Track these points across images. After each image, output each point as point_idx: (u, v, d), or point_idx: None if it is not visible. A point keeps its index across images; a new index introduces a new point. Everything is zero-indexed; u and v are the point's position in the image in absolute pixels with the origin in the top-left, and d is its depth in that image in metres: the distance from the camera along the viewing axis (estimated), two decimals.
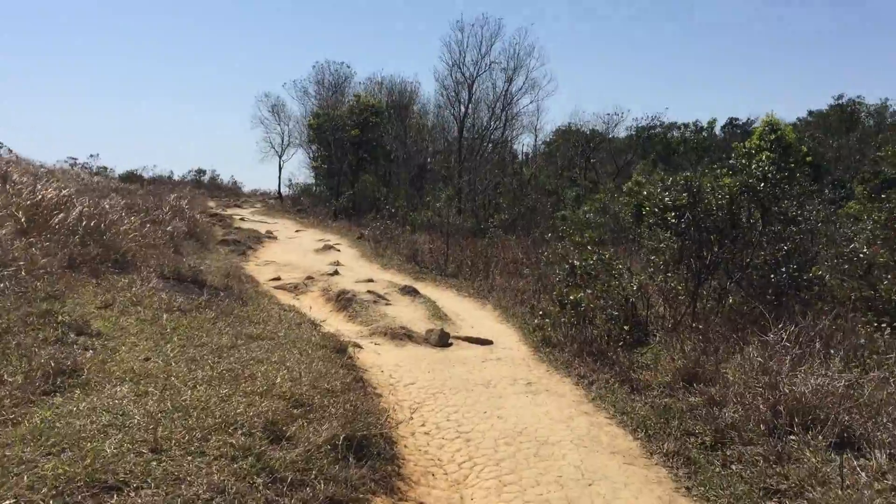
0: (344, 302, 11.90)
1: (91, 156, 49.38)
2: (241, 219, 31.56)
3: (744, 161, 15.22)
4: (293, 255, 19.46)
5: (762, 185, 10.79)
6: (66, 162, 41.99)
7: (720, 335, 9.49)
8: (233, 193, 52.91)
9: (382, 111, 36.63)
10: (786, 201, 11.30)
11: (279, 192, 48.92)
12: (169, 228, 15.89)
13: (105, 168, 46.23)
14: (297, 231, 27.67)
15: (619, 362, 8.67)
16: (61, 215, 11.56)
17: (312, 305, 12.49)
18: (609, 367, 8.54)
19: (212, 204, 40.28)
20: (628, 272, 10.88)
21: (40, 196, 12.27)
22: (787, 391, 6.58)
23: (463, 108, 33.84)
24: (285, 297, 13.03)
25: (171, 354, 6.49)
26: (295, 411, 5.60)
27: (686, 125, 48.29)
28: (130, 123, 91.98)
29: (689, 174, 11.52)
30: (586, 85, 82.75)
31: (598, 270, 10.91)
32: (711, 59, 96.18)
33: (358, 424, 5.66)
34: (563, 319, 9.28)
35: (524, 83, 34.07)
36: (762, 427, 6.38)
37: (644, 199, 14.83)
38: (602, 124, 40.87)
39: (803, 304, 10.54)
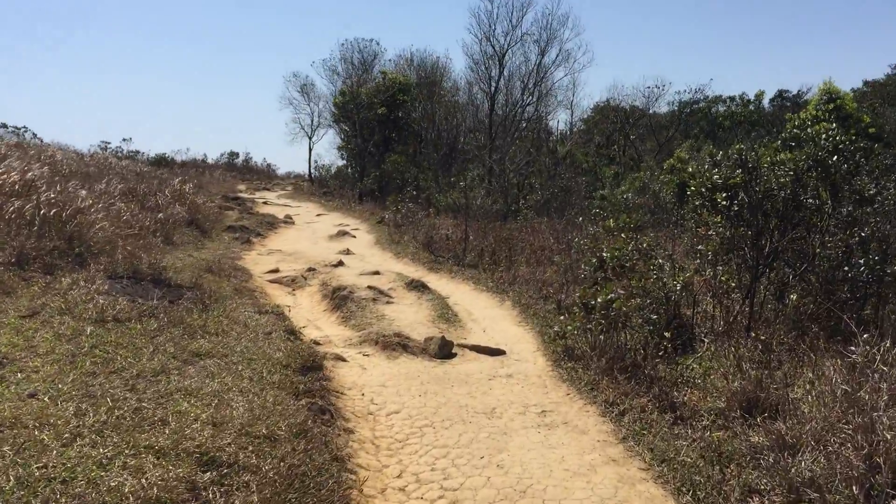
0: (338, 300, 10.34)
1: (124, 139, 48.95)
2: (265, 202, 30.36)
3: (808, 131, 13.20)
4: (304, 242, 17.99)
5: (834, 158, 8.92)
6: (98, 147, 41.58)
7: (784, 345, 7.74)
8: (265, 176, 52.01)
9: (411, 88, 34.92)
10: (859, 178, 9.42)
11: (309, 175, 47.57)
12: (160, 216, 14.47)
13: (137, 152, 45.77)
14: (317, 215, 26.28)
15: (659, 380, 6.96)
16: (18, 203, 10.20)
17: (306, 303, 10.98)
18: (646, 387, 6.84)
19: (242, 187, 39.41)
20: (671, 263, 9.11)
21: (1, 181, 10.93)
22: (889, 437, 4.83)
23: (493, 84, 31.99)
24: (279, 293, 11.54)
25: (66, 388, 4.98)
26: (204, 477, 4.05)
27: (732, 98, 45.60)
28: (166, 108, 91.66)
29: (741, 146, 9.68)
30: (625, 56, 79.93)
31: (634, 261, 9.20)
32: (757, 27, 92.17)
33: (292, 496, 4.09)
34: (589, 325, 7.57)
35: (558, 55, 32.06)
36: (854, 488, 4.65)
37: (689, 178, 13.01)
38: (642, 98, 38.58)
39: (883, 303, 8.74)
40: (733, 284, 9.11)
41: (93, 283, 7.74)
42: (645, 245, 9.41)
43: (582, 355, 7.60)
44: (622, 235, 9.47)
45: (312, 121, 46.41)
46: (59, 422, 4.40)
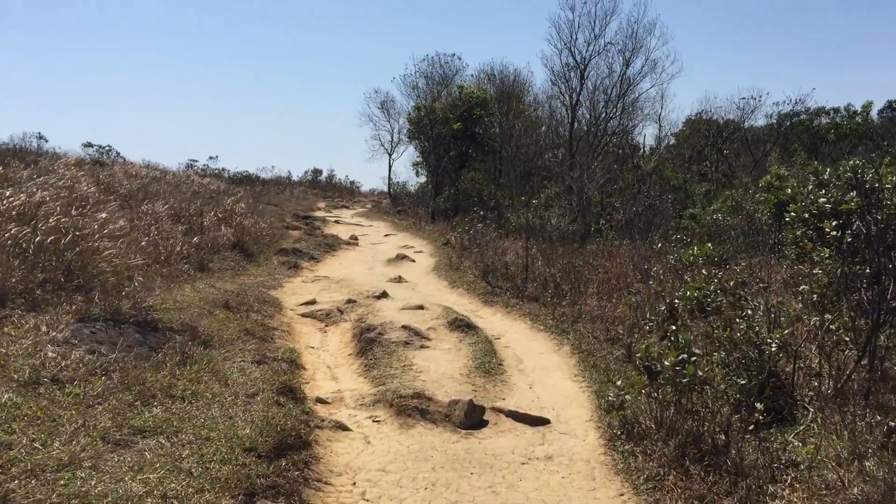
0: (365, 343, 8.91)
1: (210, 157, 49.57)
2: (336, 221, 29.49)
3: None
4: (359, 267, 16.71)
5: None
6: (186, 164, 42.16)
7: None
8: (348, 193, 51.75)
9: (488, 103, 33.48)
10: None
11: (389, 192, 46.75)
12: (195, 240, 13.43)
13: (224, 170, 46.20)
14: (385, 235, 25.11)
15: (747, 470, 5.20)
16: (14, 229, 9.22)
17: (335, 343, 9.60)
18: (730, 482, 5.10)
19: (321, 204, 39.01)
20: (765, 305, 7.24)
21: (5, 205, 10.02)
22: None
23: (575, 96, 30.22)
24: (309, 330, 10.23)
25: None
26: None
27: (836, 110, 42.16)
28: (254, 126, 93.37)
29: (856, 162, 7.76)
30: (718, 65, 76.25)
31: (718, 303, 7.42)
32: (863, 31, 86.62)
33: None
34: (654, 394, 5.85)
35: (644, 65, 30.04)
36: None
37: (788, 199, 11.04)
38: (737, 111, 35.90)
39: None
40: (846, 336, 7.20)
41: (55, 327, 6.54)
42: (732, 284, 7.59)
43: (645, 433, 5.88)
44: (703, 272, 7.68)
45: (392, 137, 45.66)
46: None
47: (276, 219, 24.70)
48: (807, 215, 7.89)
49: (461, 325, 9.69)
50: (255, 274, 13.80)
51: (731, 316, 7.31)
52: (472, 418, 6.41)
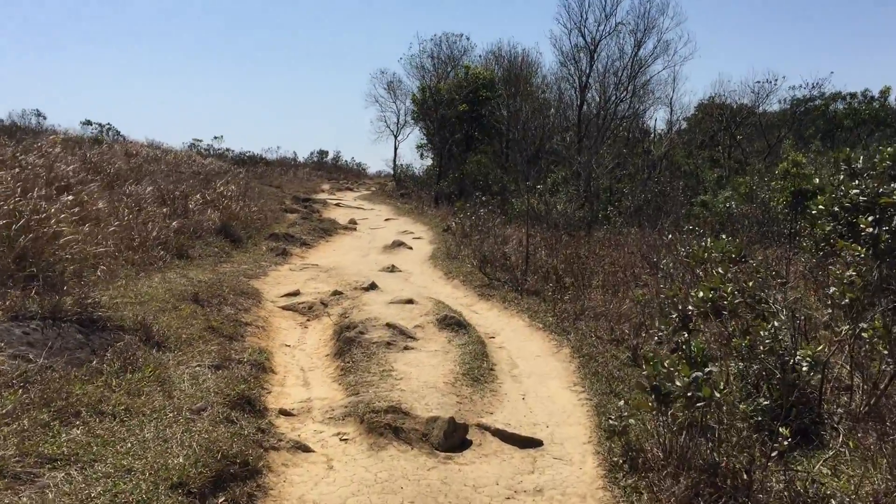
0: (344, 343, 8.08)
1: (215, 137, 48.80)
2: (337, 204, 28.64)
3: None
4: (352, 254, 15.88)
5: None
6: (189, 144, 41.45)
7: None
8: (354, 175, 50.86)
9: (495, 84, 32.46)
10: None
11: (394, 175, 45.85)
12: (174, 225, 12.61)
13: (228, 150, 45.53)
14: (386, 220, 24.27)
15: None
16: None
17: (314, 341, 8.79)
18: None
19: (326, 186, 38.28)
20: (788, 313, 6.36)
21: None
22: None
23: (584, 78, 29.20)
24: (288, 326, 9.43)
25: None
26: None
27: (853, 95, 40.91)
28: (261, 107, 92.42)
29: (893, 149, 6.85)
30: (732, 47, 74.62)
31: (734, 305, 6.56)
32: (885, 14, 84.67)
33: None
34: (662, 418, 5.01)
35: (656, 47, 28.99)
36: None
37: (811, 189, 10.12)
38: (751, 94, 34.74)
39: None
40: (882, 346, 6.33)
41: None
42: (751, 284, 6.70)
43: (652, 463, 5.03)
44: (718, 270, 6.79)
45: (398, 119, 44.69)
46: None
47: (275, 201, 23.88)
48: (836, 209, 7.01)
49: (452, 324, 8.85)
50: (240, 261, 13.00)
51: (749, 320, 6.46)
52: (452, 439, 5.58)
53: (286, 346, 8.48)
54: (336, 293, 10.79)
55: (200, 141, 43.44)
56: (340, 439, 5.66)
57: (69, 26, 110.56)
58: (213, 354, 6.76)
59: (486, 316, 10.35)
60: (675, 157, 28.57)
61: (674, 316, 5.60)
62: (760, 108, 36.30)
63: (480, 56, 37.06)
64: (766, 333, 5.77)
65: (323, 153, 54.68)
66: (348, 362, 7.50)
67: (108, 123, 35.87)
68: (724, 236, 9.35)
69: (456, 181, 30.05)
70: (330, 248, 16.76)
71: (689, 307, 5.57)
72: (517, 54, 35.14)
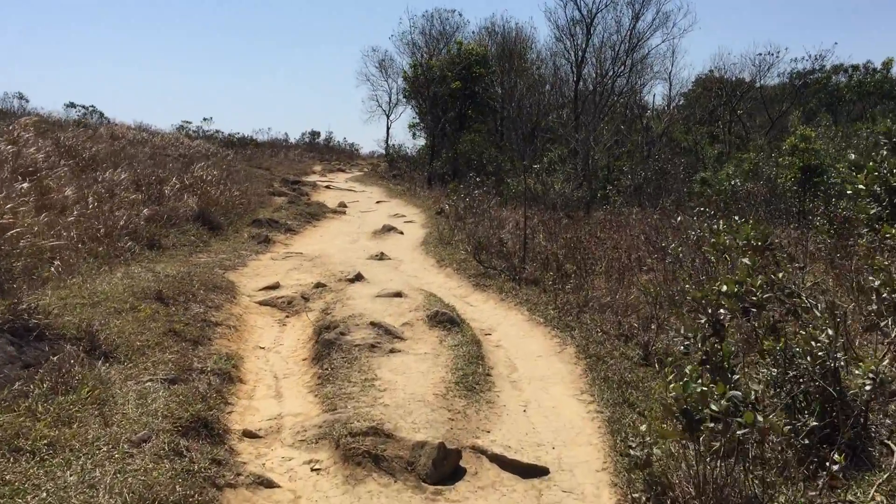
0: (324, 345, 7.23)
1: (204, 119, 47.82)
2: (328, 186, 27.69)
3: None
4: (340, 240, 15.01)
5: None
6: (177, 127, 40.45)
7: None
8: (347, 156, 49.88)
9: (489, 60, 31.43)
10: None
11: (387, 155, 44.89)
12: (145, 212, 11.73)
13: (218, 132, 44.65)
14: (377, 202, 23.38)
15: None
16: None
17: (291, 342, 7.95)
18: None
19: (317, 168, 37.46)
20: (830, 319, 5.52)
21: None
22: None
23: (580, 52, 28.21)
24: (265, 324, 8.60)
25: None
26: None
27: (855, 67, 39.98)
28: (252, 88, 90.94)
29: None
30: (733, 17, 73.19)
31: (762, 301, 5.72)
32: None
33: None
34: (693, 447, 4.17)
35: (655, 19, 28.06)
36: None
37: (853, 168, 9.27)
38: (752, 68, 33.78)
39: None
40: None
41: None
42: (781, 276, 5.85)
43: (681, 500, 4.21)
44: (745, 261, 5.93)
45: (390, 98, 43.64)
46: None
47: (262, 184, 22.99)
48: (879, 189, 6.17)
49: (444, 321, 8.00)
50: (217, 250, 12.13)
51: (776, 317, 5.63)
52: (442, 468, 4.75)
53: (260, 348, 7.63)
54: (319, 285, 9.94)
55: (189, 123, 42.54)
56: (312, 469, 4.82)
57: (55, 6, 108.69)
58: (169, 365, 5.90)
59: (482, 309, 9.51)
60: (673, 134, 27.68)
61: (703, 321, 4.75)
62: (761, 82, 35.42)
63: (473, 32, 36.02)
64: (808, 336, 4.93)
65: (315, 134, 53.67)
66: (327, 369, 6.65)
67: (93, 105, 34.86)
68: (735, 218, 8.52)
69: (449, 161, 29.14)
70: (317, 234, 15.89)
71: (722, 311, 4.71)
72: (511, 29, 34.07)
